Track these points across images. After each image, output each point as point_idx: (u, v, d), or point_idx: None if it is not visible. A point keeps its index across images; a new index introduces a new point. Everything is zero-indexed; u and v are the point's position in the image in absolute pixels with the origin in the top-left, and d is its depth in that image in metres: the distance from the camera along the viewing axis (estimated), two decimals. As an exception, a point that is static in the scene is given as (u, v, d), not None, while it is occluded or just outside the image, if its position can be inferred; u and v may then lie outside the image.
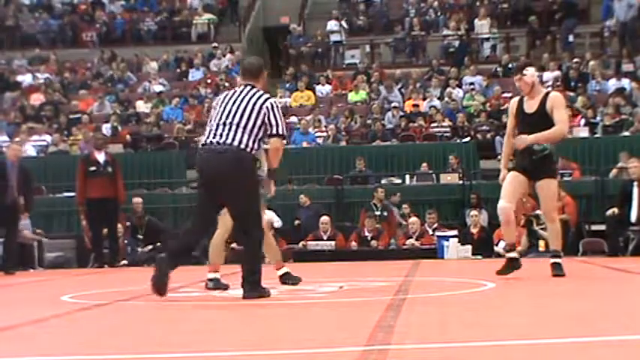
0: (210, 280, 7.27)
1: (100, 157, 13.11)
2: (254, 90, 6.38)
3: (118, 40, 24.23)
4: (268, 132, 6.29)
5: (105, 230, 13.03)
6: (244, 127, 6.22)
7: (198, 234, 6.47)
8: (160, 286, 6.12)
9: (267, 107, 6.27)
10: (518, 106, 7.70)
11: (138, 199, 14.52)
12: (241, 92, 6.37)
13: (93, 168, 12.92)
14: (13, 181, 12.03)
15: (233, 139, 6.20)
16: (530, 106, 7.58)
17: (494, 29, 22.15)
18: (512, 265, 7.69)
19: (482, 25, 22.06)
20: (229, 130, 6.22)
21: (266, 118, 6.26)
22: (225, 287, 7.19)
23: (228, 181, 6.17)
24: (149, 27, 24.27)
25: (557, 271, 7.65)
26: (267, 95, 6.40)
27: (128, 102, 20.81)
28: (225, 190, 6.21)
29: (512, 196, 7.63)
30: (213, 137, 6.27)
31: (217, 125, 6.30)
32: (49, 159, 17.64)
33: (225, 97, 6.43)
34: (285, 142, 6.64)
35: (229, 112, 6.28)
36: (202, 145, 6.42)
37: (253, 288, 6.22)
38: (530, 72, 7.59)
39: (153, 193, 16.05)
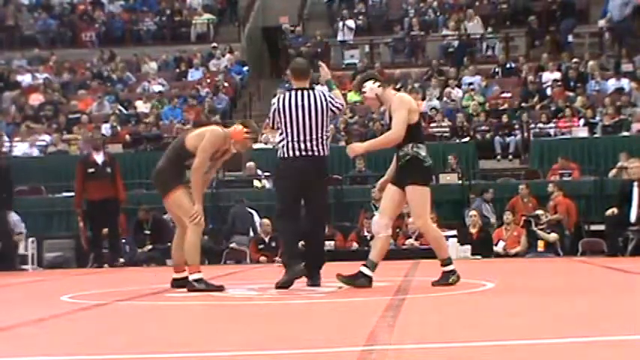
0: (197, 280, 6.99)
1: (99, 157, 13.07)
2: (313, 93, 7.16)
3: (117, 40, 24.21)
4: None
5: (105, 230, 13.00)
6: (322, 136, 7.17)
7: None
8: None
9: (329, 102, 7.21)
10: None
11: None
12: (309, 98, 7.14)
13: (92, 170, 12.86)
14: None
15: (319, 151, 7.16)
16: (387, 116, 7.22)
17: (489, 29, 22.13)
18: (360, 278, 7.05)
19: (474, 26, 22.06)
20: (315, 143, 7.11)
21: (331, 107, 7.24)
22: (220, 288, 7.07)
23: (315, 182, 7.20)
24: (148, 27, 24.27)
25: (442, 280, 7.00)
26: (321, 91, 7.27)
27: (127, 102, 20.81)
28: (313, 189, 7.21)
29: (387, 210, 7.07)
30: (304, 150, 7.10)
31: (303, 139, 7.09)
32: (48, 159, 17.62)
33: (294, 105, 7.12)
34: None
35: (310, 126, 7.09)
36: (291, 156, 7.11)
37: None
38: (369, 87, 7.09)
39: (151, 193, 16.02)
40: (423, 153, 6.97)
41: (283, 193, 7.30)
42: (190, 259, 7.03)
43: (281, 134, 7.20)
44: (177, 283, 7.24)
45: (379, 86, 7.10)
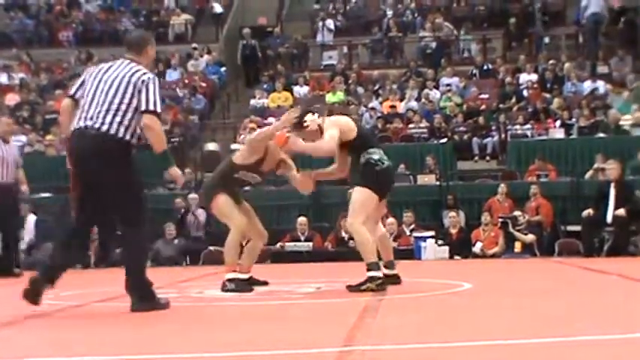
0: (230, 280, 7.10)
1: None
2: (131, 65, 5.64)
3: (94, 40, 24.06)
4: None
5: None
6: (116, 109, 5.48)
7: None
8: None
9: (141, 81, 5.50)
10: None
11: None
12: (118, 67, 5.65)
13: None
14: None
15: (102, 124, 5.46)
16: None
17: (463, 30, 22.23)
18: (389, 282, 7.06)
19: (447, 29, 22.17)
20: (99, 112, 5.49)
21: (137, 93, 5.49)
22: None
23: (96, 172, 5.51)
24: (126, 27, 24.14)
25: (359, 286, 6.69)
26: (144, 70, 5.62)
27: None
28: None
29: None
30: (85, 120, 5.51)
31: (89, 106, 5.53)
32: (24, 159, 17.44)
33: (99, 72, 5.66)
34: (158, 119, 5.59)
35: (101, 90, 5.53)
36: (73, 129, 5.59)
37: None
38: (309, 119, 6.95)
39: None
40: (376, 157, 6.88)
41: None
42: (226, 259, 7.15)
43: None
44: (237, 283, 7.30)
45: (319, 117, 7.02)
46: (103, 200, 5.61)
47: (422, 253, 13.01)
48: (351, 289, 6.69)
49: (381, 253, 7.27)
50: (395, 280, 7.19)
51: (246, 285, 7.10)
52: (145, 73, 5.56)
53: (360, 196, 6.84)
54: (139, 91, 5.47)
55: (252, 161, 7.17)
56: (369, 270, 6.69)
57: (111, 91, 5.51)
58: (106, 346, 4.15)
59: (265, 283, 7.46)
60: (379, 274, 6.73)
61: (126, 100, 5.47)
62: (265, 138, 7.12)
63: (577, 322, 4.65)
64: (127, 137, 5.49)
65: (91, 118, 5.48)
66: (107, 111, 5.46)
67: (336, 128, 6.86)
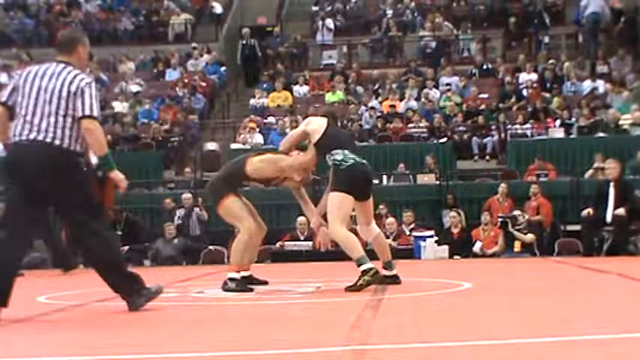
0: (231, 279, 7.14)
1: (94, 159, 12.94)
2: (67, 69, 5.49)
3: (94, 39, 24.01)
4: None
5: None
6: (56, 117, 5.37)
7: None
8: None
9: (79, 89, 5.39)
10: None
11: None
12: (53, 73, 5.47)
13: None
14: None
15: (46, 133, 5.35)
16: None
17: (467, 30, 22.24)
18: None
19: (447, 28, 22.18)
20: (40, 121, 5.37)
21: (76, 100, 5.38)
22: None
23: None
24: (126, 27, 24.15)
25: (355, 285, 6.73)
26: (81, 76, 5.48)
27: (105, 102, 20.69)
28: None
29: (358, 219, 7.31)
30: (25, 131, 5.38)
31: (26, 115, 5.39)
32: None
33: (34, 78, 5.48)
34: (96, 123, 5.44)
35: (44, 100, 5.38)
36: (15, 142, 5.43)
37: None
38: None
39: (129, 193, 15.98)
40: (339, 157, 6.91)
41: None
42: (232, 259, 7.19)
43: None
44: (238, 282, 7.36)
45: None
46: (59, 208, 5.53)
47: (421, 253, 13.01)
48: (350, 289, 6.70)
49: (378, 254, 7.29)
50: (394, 280, 7.20)
51: (247, 285, 7.11)
52: (82, 79, 5.45)
53: (333, 201, 6.92)
54: (77, 98, 5.39)
55: (266, 177, 7.26)
56: (359, 265, 6.74)
57: (54, 101, 5.39)
58: (105, 346, 4.16)
59: (265, 283, 7.47)
60: (370, 265, 6.76)
61: (70, 112, 5.38)
62: (293, 166, 7.21)
63: (576, 322, 4.65)
64: (78, 148, 5.42)
65: (38, 131, 5.34)
66: (55, 122, 5.36)
67: (301, 127, 7.27)
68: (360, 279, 6.69)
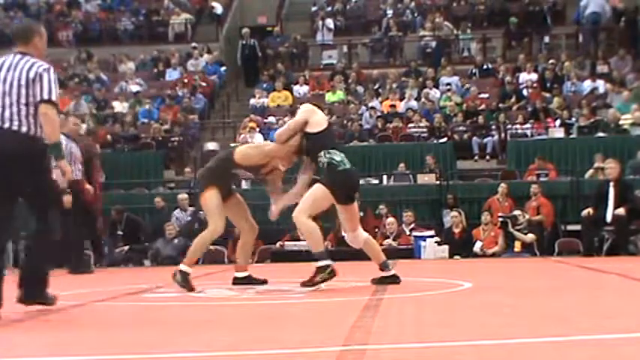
0: (181, 272, 7.24)
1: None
2: (26, 59, 5.53)
3: (94, 39, 24.07)
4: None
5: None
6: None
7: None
8: None
9: (37, 74, 5.43)
10: None
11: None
12: (12, 63, 5.52)
13: None
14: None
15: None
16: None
17: (467, 30, 22.25)
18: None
19: (447, 28, 22.18)
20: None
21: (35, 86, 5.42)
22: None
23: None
24: (126, 27, 24.16)
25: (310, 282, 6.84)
26: (39, 63, 5.52)
27: (104, 102, 20.71)
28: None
29: (345, 225, 7.28)
30: None
31: None
32: None
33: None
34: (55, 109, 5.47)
35: (7, 90, 5.43)
36: None
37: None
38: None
39: (130, 193, 16.00)
40: (338, 158, 6.93)
41: None
42: (191, 253, 7.28)
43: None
44: (238, 281, 7.49)
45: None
46: (24, 195, 5.51)
47: (422, 253, 13.01)
48: (305, 284, 6.77)
49: (371, 257, 7.28)
50: (394, 280, 7.20)
51: (189, 282, 7.12)
52: (40, 66, 5.48)
53: (315, 191, 6.90)
54: (36, 83, 5.42)
55: (254, 163, 7.26)
56: (316, 260, 6.76)
57: (13, 91, 5.40)
58: (105, 346, 4.16)
59: (264, 282, 7.48)
60: (328, 262, 6.77)
61: (31, 99, 5.40)
62: (279, 151, 7.19)
63: (576, 322, 4.65)
64: (44, 135, 5.43)
65: (3, 120, 5.35)
66: (18, 112, 5.37)
67: (301, 117, 7.02)
68: (316, 276, 6.76)
